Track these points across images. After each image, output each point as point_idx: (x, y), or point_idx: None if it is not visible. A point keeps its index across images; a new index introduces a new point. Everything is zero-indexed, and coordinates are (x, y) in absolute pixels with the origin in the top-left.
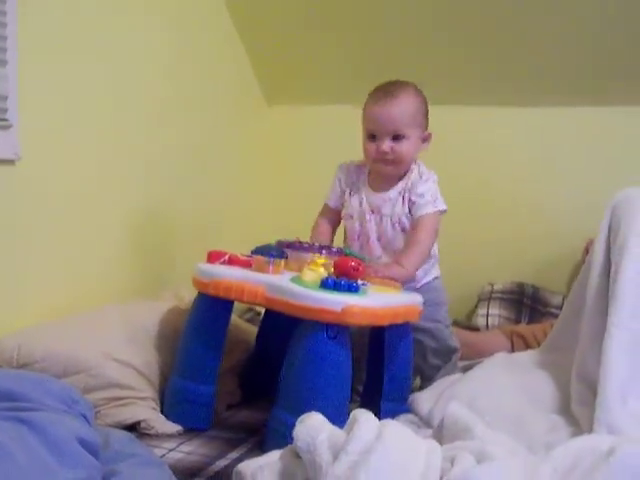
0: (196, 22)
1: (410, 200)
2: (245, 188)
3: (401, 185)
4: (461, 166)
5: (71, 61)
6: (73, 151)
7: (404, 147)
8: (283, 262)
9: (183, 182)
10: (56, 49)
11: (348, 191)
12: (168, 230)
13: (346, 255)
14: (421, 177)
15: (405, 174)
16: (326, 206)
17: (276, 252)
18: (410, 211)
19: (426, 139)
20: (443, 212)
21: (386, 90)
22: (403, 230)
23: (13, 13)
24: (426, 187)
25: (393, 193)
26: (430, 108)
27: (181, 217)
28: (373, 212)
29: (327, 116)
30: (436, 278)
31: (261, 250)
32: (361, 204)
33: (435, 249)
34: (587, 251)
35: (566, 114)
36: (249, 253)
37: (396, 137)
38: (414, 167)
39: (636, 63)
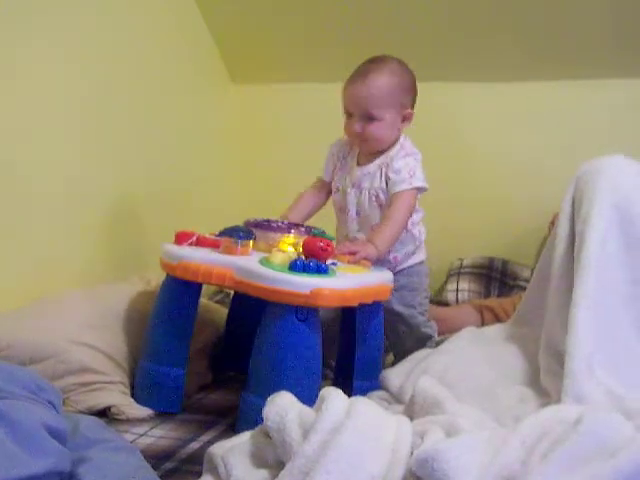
0: (158, 0)
1: (387, 175)
2: (212, 167)
3: (381, 159)
4: (432, 141)
5: (42, 54)
6: (41, 132)
7: (374, 128)
8: (251, 243)
9: (150, 163)
10: (29, 44)
11: (339, 165)
12: (135, 211)
13: (314, 235)
14: (400, 152)
15: (388, 148)
16: (319, 178)
17: (244, 233)
18: (387, 186)
19: (407, 118)
20: (421, 190)
21: (361, 70)
22: (380, 205)
23: None
24: (403, 163)
25: (372, 167)
26: None
27: (148, 198)
28: (354, 186)
29: (293, 94)
30: (420, 263)
31: (229, 231)
32: (345, 177)
33: (421, 232)
34: (553, 224)
35: (531, 89)
36: (217, 234)
37: (369, 118)
38: (398, 143)
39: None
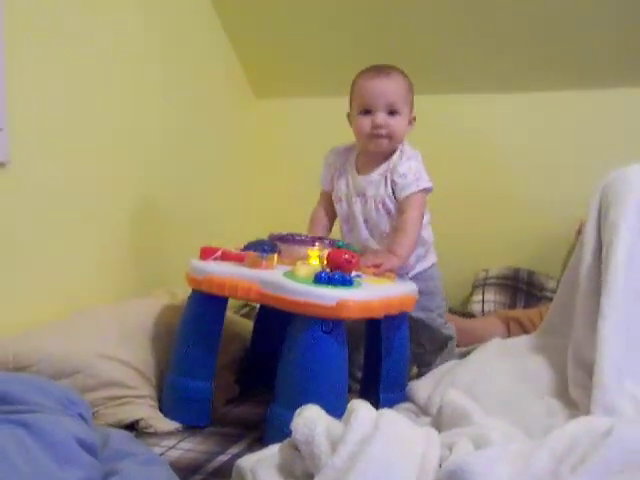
0: (182, 16)
1: (393, 181)
2: (235, 182)
3: (384, 166)
4: (456, 154)
5: (59, 60)
6: (63, 153)
7: (398, 122)
8: (276, 256)
9: (173, 178)
10: (45, 50)
11: (337, 174)
12: (160, 227)
13: (339, 247)
14: (402, 157)
15: (390, 155)
16: (322, 192)
17: (268, 247)
18: (394, 193)
19: (411, 122)
20: (428, 190)
21: (378, 69)
22: (388, 213)
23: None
24: (407, 166)
25: (376, 175)
26: (424, 97)
27: (173, 214)
28: (358, 195)
29: (316, 108)
30: (431, 266)
31: (254, 245)
32: (347, 186)
33: (430, 235)
34: (579, 232)
35: (559, 99)
36: (242, 248)
37: (391, 112)
38: (399, 148)
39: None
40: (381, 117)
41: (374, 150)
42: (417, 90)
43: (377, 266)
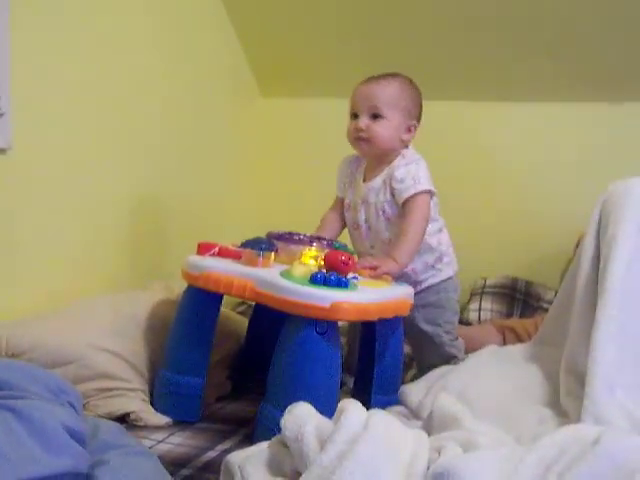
0: (190, 14)
1: (392, 187)
2: (238, 180)
3: (385, 173)
4: (458, 163)
5: (63, 49)
6: (65, 140)
7: (379, 126)
8: (273, 255)
9: (176, 173)
10: (49, 37)
11: (348, 182)
12: (159, 221)
13: (335, 249)
14: (402, 162)
15: (392, 161)
16: (337, 197)
17: (266, 245)
18: (395, 198)
19: (411, 129)
20: (430, 193)
21: (376, 75)
22: (387, 219)
23: (5, 1)
24: (405, 170)
25: (377, 181)
26: (425, 103)
27: (173, 208)
28: (363, 202)
29: (322, 109)
30: (447, 279)
31: (251, 243)
32: (354, 194)
33: (441, 242)
34: (578, 246)
35: (561, 110)
36: (239, 245)
37: (375, 116)
38: (400, 154)
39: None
40: (362, 121)
41: (360, 154)
42: (426, 96)
43: (374, 268)
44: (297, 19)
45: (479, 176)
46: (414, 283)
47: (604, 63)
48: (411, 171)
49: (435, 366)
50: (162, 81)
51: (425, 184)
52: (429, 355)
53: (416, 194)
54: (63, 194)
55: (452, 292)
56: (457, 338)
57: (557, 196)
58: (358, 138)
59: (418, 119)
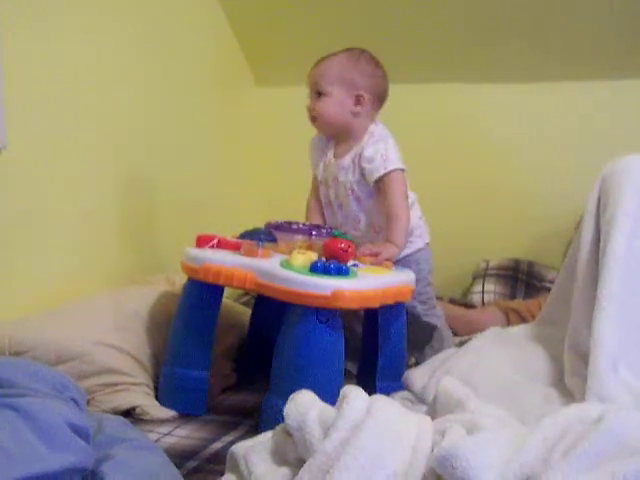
0: (183, 3)
1: (361, 166)
2: (234, 169)
3: (354, 151)
4: (455, 146)
5: (56, 47)
6: (59, 139)
7: (322, 104)
8: (272, 245)
9: (172, 165)
10: (41, 35)
11: (319, 159)
12: (158, 214)
13: (335, 237)
14: (369, 140)
15: (360, 139)
16: (313, 177)
17: (265, 235)
18: (365, 178)
19: (359, 100)
20: (400, 171)
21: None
22: (357, 199)
23: None
24: (373, 150)
25: (347, 159)
26: (418, 87)
27: (170, 200)
28: (333, 179)
29: None
30: (418, 250)
31: (250, 234)
32: (325, 171)
33: (416, 218)
34: (579, 225)
35: (559, 89)
36: (238, 236)
37: (319, 94)
38: (368, 131)
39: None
40: (310, 101)
41: (321, 134)
42: (415, 79)
43: (375, 255)
44: (291, 8)
45: (476, 159)
46: None
47: (592, 41)
48: (379, 150)
49: (420, 341)
50: (156, 72)
51: (394, 163)
52: (410, 330)
53: (386, 173)
54: (59, 192)
55: (423, 263)
56: (434, 307)
57: (555, 176)
58: (311, 118)
59: (369, 89)
